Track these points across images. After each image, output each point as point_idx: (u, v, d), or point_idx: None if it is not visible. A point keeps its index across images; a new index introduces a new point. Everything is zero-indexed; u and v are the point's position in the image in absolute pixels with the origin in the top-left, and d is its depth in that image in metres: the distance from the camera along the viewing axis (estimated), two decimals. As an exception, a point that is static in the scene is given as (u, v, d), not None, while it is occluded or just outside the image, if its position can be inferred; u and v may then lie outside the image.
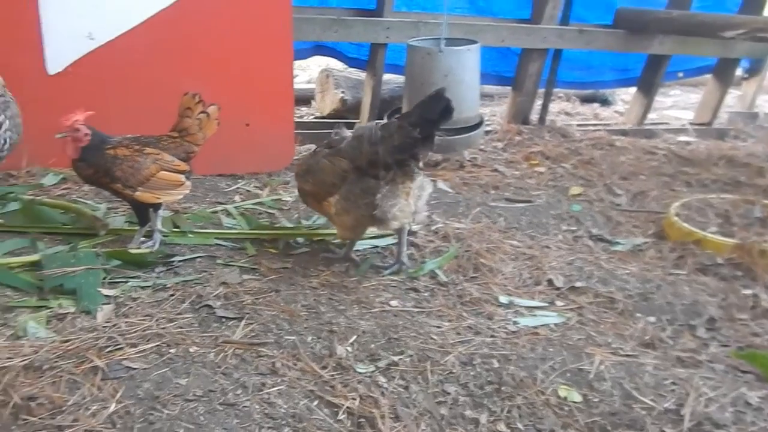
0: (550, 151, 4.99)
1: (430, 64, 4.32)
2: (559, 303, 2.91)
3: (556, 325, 2.72)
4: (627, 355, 2.52)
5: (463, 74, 4.36)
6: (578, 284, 3.04)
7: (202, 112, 2.97)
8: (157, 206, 2.95)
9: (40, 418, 1.93)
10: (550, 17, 5.36)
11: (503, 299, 2.87)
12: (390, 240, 3.27)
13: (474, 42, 4.48)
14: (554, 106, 6.49)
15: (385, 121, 3.01)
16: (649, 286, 3.05)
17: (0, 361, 2.07)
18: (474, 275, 3.05)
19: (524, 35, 5.37)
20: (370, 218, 2.81)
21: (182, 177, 2.94)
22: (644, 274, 3.18)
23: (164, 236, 3.02)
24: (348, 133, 2.99)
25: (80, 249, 2.88)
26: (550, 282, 3.06)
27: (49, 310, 2.47)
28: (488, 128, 5.33)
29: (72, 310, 2.48)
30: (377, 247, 3.23)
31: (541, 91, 5.70)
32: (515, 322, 2.70)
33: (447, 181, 4.29)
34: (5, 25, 3.55)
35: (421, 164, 2.82)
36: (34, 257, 2.78)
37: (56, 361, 2.13)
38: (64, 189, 3.53)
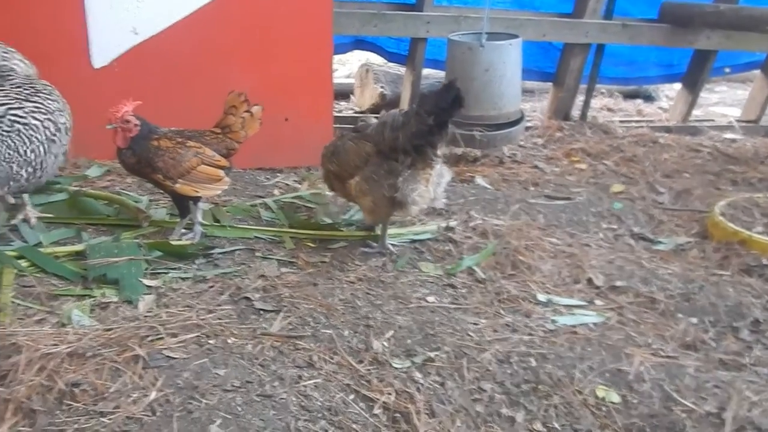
0: (591, 147, 4.91)
1: (470, 58, 4.29)
2: (598, 302, 2.86)
3: (595, 324, 2.68)
4: (668, 357, 2.46)
5: (504, 69, 4.31)
6: (618, 283, 2.98)
7: (246, 111, 3.00)
8: (197, 199, 2.99)
9: (83, 404, 1.98)
10: (593, 11, 5.26)
11: (541, 297, 2.83)
12: (428, 235, 3.26)
13: (515, 37, 4.42)
14: (596, 102, 6.37)
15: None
16: (691, 287, 2.98)
17: (46, 348, 2.13)
18: (512, 272, 3.02)
19: (566, 30, 5.28)
20: (391, 201, 2.88)
21: (221, 172, 2.98)
22: (687, 275, 3.11)
23: (204, 228, 3.06)
24: (374, 121, 3.10)
25: (123, 240, 2.94)
26: (589, 281, 3.01)
27: (92, 299, 2.53)
28: (529, 124, 5.26)
29: (115, 299, 2.54)
30: (415, 242, 3.22)
31: (583, 86, 5.60)
32: (553, 321, 2.67)
33: (486, 177, 4.25)
34: (53, 21, 3.64)
35: (438, 152, 2.89)
36: (79, 247, 2.85)
37: (99, 349, 2.18)
38: (108, 181, 3.61)
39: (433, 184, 2.94)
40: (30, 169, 2.75)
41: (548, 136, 5.18)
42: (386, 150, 2.87)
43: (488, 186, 4.12)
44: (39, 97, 2.90)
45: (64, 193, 3.32)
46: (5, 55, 3.06)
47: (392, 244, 3.13)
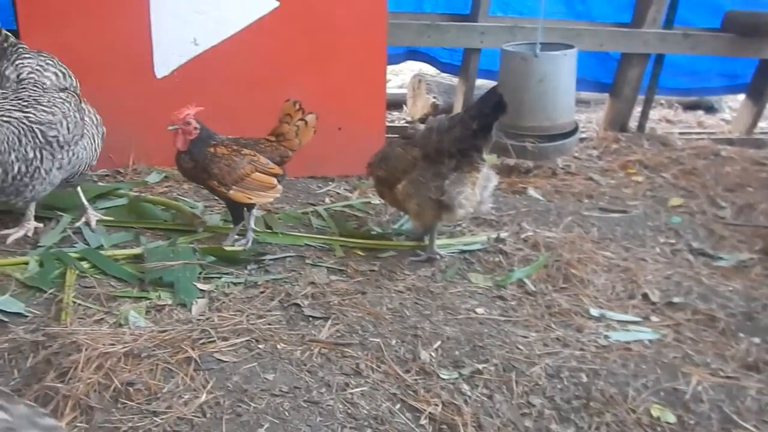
0: (648, 159, 4.78)
1: (524, 69, 4.25)
2: (654, 318, 2.78)
3: (650, 341, 2.60)
4: (728, 377, 2.37)
5: (559, 80, 4.26)
6: (676, 300, 2.89)
7: (300, 119, 3.04)
8: (250, 206, 3.05)
9: (137, 403, 2.04)
10: (652, 21, 5.14)
11: (594, 312, 2.77)
12: (478, 246, 3.23)
13: (571, 47, 4.36)
14: (655, 114, 6.21)
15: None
16: (754, 305, 2.86)
17: (104, 347, 2.20)
18: (564, 286, 2.97)
19: (624, 39, 5.18)
20: (437, 204, 2.91)
21: (275, 180, 3.03)
22: (749, 292, 2.99)
23: (256, 235, 3.12)
24: (422, 127, 3.14)
25: (179, 244, 3.01)
26: (645, 296, 2.93)
27: (148, 301, 2.60)
28: (583, 135, 5.18)
29: (169, 302, 2.60)
30: (465, 252, 3.20)
31: (641, 97, 5.47)
32: (606, 336, 2.61)
33: (538, 189, 4.19)
34: (120, 32, 3.78)
35: (484, 155, 2.93)
36: (137, 250, 2.94)
37: (154, 350, 2.24)
38: (166, 187, 3.72)
39: (479, 187, 2.97)
40: None
41: (604, 148, 5.08)
42: (432, 153, 2.92)
43: (540, 197, 4.06)
44: (34, 109, 2.87)
45: (125, 198, 3.44)
46: (38, 68, 3.09)
47: (440, 255, 3.12)
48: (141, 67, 3.84)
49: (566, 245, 3.27)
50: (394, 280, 2.91)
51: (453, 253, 3.18)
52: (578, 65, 4.39)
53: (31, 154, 2.78)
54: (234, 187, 2.94)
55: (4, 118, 2.76)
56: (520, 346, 2.49)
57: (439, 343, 2.46)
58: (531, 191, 4.13)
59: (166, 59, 3.88)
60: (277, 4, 3.91)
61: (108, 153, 3.82)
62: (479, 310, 2.72)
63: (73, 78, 3.23)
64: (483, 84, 5.79)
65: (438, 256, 3.10)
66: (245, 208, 3.05)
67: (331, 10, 3.98)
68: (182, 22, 3.84)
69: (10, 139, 2.72)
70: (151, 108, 3.82)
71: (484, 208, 3.12)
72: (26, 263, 2.78)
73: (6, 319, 2.42)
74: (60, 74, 3.16)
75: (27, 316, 2.46)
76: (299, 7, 3.94)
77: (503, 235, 3.33)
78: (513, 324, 2.66)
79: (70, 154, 2.95)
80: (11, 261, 2.80)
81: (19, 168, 2.76)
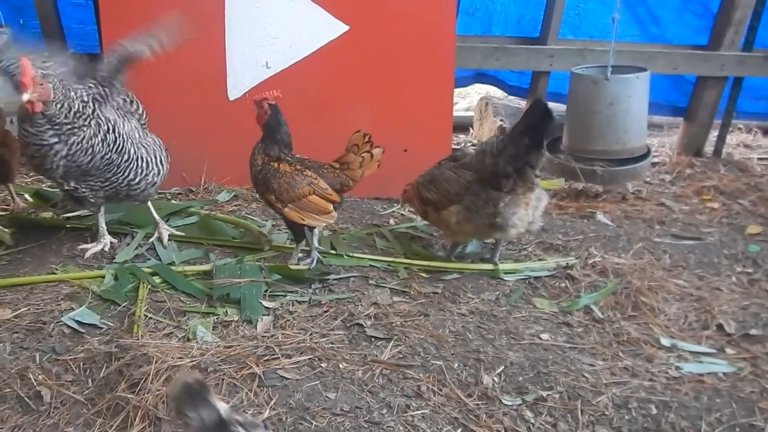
0: (725, 186, 4.59)
1: (594, 92, 4.17)
2: (729, 351, 2.65)
3: (725, 374, 2.48)
4: (813, 418, 2.22)
5: (630, 103, 4.16)
6: (753, 332, 2.75)
7: (367, 151, 3.04)
8: (312, 227, 3.09)
9: (202, 416, 2.08)
10: (730, 43, 4.96)
11: (665, 342, 2.66)
12: (545, 272, 3.17)
13: (643, 69, 4.26)
14: (732, 138, 5.96)
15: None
16: (842, 341, 2.68)
17: (172, 360, 2.27)
18: (633, 314, 2.87)
19: (700, 62, 5.02)
20: (491, 226, 3.00)
21: (331, 206, 3.03)
22: (837, 327, 2.80)
23: (321, 255, 3.15)
24: (471, 150, 3.22)
25: (246, 262, 3.08)
26: (719, 327, 2.80)
27: (216, 317, 2.67)
28: (656, 160, 5.03)
29: (236, 318, 2.66)
30: (530, 277, 3.14)
31: (717, 121, 5.27)
32: (678, 368, 2.50)
33: (607, 214, 4.08)
34: (196, 56, 3.94)
35: (537, 171, 2.98)
36: (206, 267, 3.03)
37: (220, 365, 2.29)
38: (235, 205, 3.82)
39: (532, 207, 3.02)
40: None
41: (677, 173, 4.91)
42: (487, 177, 2.97)
43: (609, 222, 3.95)
44: None
45: (196, 216, 3.55)
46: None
47: (509, 280, 3.10)
48: (215, 90, 3.99)
49: (636, 272, 3.16)
50: (457, 303, 2.88)
51: (519, 278, 3.13)
52: (651, 88, 4.28)
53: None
54: (290, 205, 2.98)
55: None
56: (586, 375, 2.41)
57: (502, 368, 2.42)
58: (600, 216, 4.03)
59: (239, 82, 4.02)
60: (346, 28, 3.99)
61: (181, 172, 3.98)
62: (544, 336, 2.66)
63: (139, 105, 3.33)
64: (552, 107, 5.72)
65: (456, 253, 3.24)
66: (306, 228, 3.09)
67: (399, 34, 4.04)
68: (255, 46, 3.97)
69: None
70: (223, 129, 3.96)
71: (535, 228, 3.16)
72: (102, 277, 2.91)
73: (82, 330, 2.53)
74: (126, 100, 3.25)
75: (102, 328, 2.57)
76: (368, 30, 4.02)
77: (571, 261, 3.25)
78: (579, 351, 2.58)
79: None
80: (89, 274, 2.93)
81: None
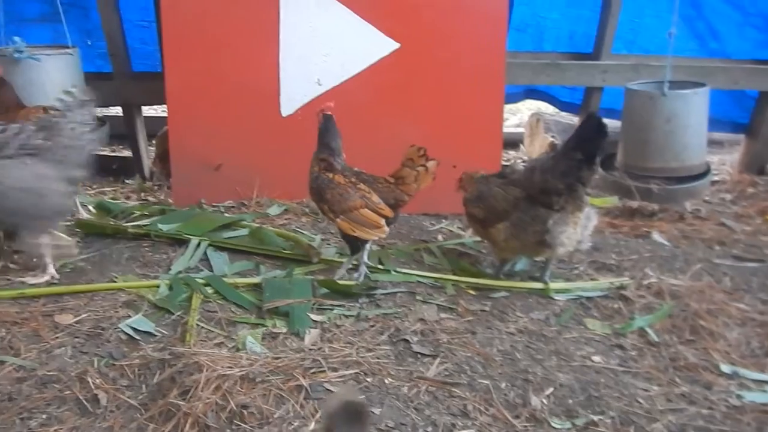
0: (790, 206, 4.41)
1: (650, 108, 4.08)
2: (796, 380, 2.52)
3: (790, 405, 2.36)
4: None
5: (688, 119, 4.05)
6: (822, 361, 2.61)
7: (422, 165, 3.05)
8: (365, 240, 3.11)
9: (250, 426, 2.11)
10: (795, 57, 4.79)
11: (725, 368, 2.56)
12: (598, 292, 3.10)
13: (702, 85, 4.14)
14: (798, 156, 5.73)
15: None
16: None
17: (222, 369, 2.31)
18: (691, 338, 2.77)
19: (763, 77, 4.86)
20: (539, 244, 2.96)
21: (382, 221, 3.04)
22: None
23: (369, 270, 3.16)
24: (521, 167, 3.19)
25: (295, 275, 3.12)
26: (785, 354, 2.67)
27: (264, 328, 2.70)
28: (715, 178, 4.86)
29: (284, 330, 2.69)
30: (581, 297, 3.08)
31: (783, 138, 5.08)
32: (739, 396, 2.39)
33: (663, 233, 3.96)
34: (251, 73, 4.05)
35: (588, 189, 2.92)
36: (256, 279, 3.08)
37: (268, 376, 2.32)
38: (285, 219, 3.88)
39: (581, 226, 2.97)
40: None
41: (739, 192, 4.74)
42: (536, 194, 2.93)
43: (666, 242, 3.83)
44: None
45: (247, 229, 3.62)
46: None
47: (560, 300, 3.04)
48: (268, 106, 4.08)
49: (694, 294, 3.05)
50: (505, 321, 2.84)
51: (570, 297, 3.07)
52: (711, 104, 4.16)
53: None
54: (341, 216, 3.02)
55: None
56: (640, 400, 2.34)
57: (551, 389, 2.37)
58: (655, 236, 3.92)
59: (292, 99, 4.10)
60: (397, 45, 4.03)
61: (234, 186, 4.07)
62: (596, 358, 2.60)
63: None
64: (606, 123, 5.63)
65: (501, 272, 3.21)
66: (359, 241, 3.10)
67: (450, 50, 4.05)
68: (308, 63, 4.05)
69: None
70: (275, 144, 4.04)
71: (583, 247, 3.12)
72: (158, 286, 2.99)
73: (138, 337, 2.61)
74: None
75: (156, 336, 2.64)
76: (419, 47, 4.04)
77: (625, 281, 3.17)
78: (633, 375, 2.51)
79: None
80: (145, 283, 3.02)
81: None
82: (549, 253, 3.05)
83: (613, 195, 4.36)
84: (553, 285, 3.11)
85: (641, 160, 4.17)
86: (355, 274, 3.12)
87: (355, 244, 3.13)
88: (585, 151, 2.82)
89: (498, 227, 3.03)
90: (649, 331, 2.80)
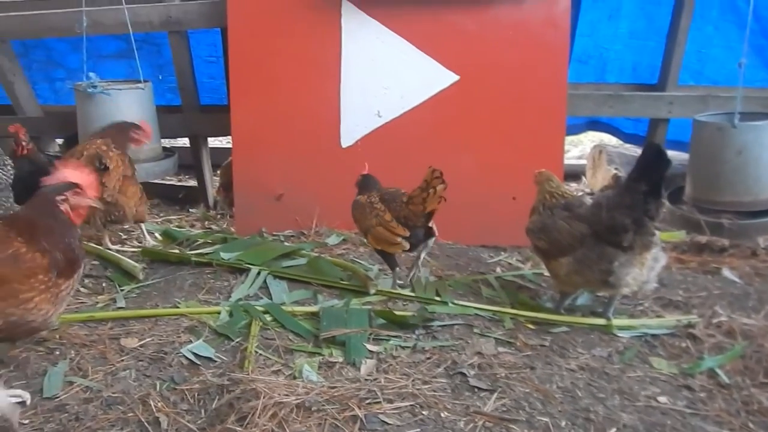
0: None
1: (720, 140, 3.95)
2: None
3: None
4: None
5: (761, 152, 3.89)
6: None
7: (432, 187, 3.06)
8: (390, 254, 3.24)
9: (304, 455, 2.10)
10: None
11: (803, 414, 2.41)
12: (664, 330, 2.99)
13: (774, 116, 3.99)
14: None
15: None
16: None
17: (279, 397, 2.32)
18: (765, 381, 2.62)
19: (841, 108, 4.64)
20: (602, 282, 2.90)
21: (398, 238, 3.12)
22: None
23: (426, 303, 3.15)
24: (588, 200, 3.10)
25: (352, 305, 3.13)
26: None
27: (321, 357, 2.71)
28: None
29: (340, 359, 2.70)
30: (646, 334, 2.97)
31: None
32: (818, 445, 2.24)
33: (734, 270, 3.79)
34: (313, 105, 4.15)
35: (656, 224, 2.83)
36: (314, 308, 3.10)
37: (323, 405, 2.32)
38: (344, 249, 3.92)
39: (647, 267, 2.87)
40: None
41: (817, 228, 4.49)
42: (603, 232, 2.85)
43: (737, 279, 3.67)
44: None
45: (306, 258, 3.67)
46: None
47: (624, 336, 2.95)
48: (329, 137, 4.16)
49: (768, 335, 2.91)
50: (566, 358, 2.76)
51: (635, 335, 2.96)
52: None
53: None
54: (368, 233, 3.23)
55: None
56: (710, 444, 2.22)
57: (614, 430, 2.28)
58: (726, 272, 3.75)
59: (352, 130, 4.17)
60: (457, 77, 4.06)
61: (294, 216, 4.15)
62: (662, 399, 2.49)
63: None
64: (672, 156, 5.47)
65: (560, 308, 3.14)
66: (394, 256, 3.27)
67: (510, 82, 4.05)
68: (368, 96, 4.12)
69: None
70: (335, 175, 4.10)
71: (649, 288, 3.02)
72: (218, 313, 3.05)
73: (198, 362, 2.66)
74: None
75: (216, 361, 2.68)
76: (479, 79, 4.06)
77: (694, 319, 3.04)
78: (702, 418, 2.39)
79: None
80: (207, 309, 3.09)
81: None
82: (612, 292, 2.98)
83: (681, 229, 4.21)
84: (617, 321, 3.01)
85: (711, 193, 4.03)
86: (400, 282, 3.31)
87: (387, 259, 3.29)
88: (649, 181, 2.73)
89: (560, 261, 2.97)
90: (720, 372, 2.67)
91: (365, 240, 3.35)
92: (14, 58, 4.97)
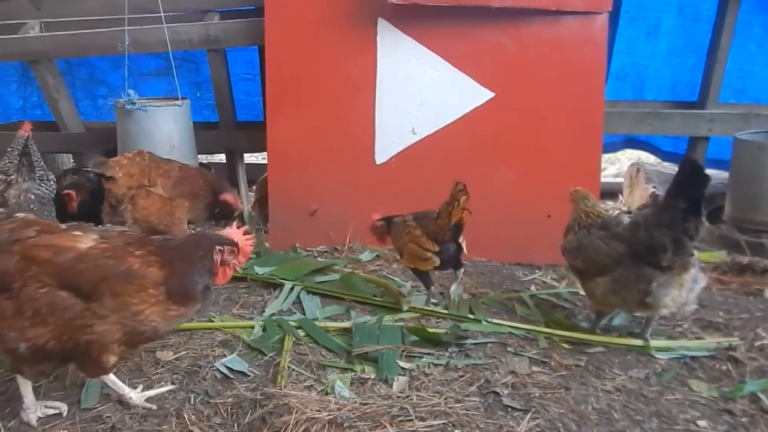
0: None
1: (761, 159, 3.88)
2: None
3: None
4: None
5: (804, 171, 3.81)
6: None
7: (456, 200, 3.09)
8: (457, 266, 3.25)
9: (336, 472, 2.10)
10: None
11: None
12: (704, 352, 2.91)
13: (818, 134, 3.90)
14: None
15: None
16: None
17: (311, 412, 2.32)
18: (811, 407, 2.53)
19: None
20: (640, 303, 2.84)
21: (428, 254, 3.15)
22: None
23: (459, 321, 3.13)
24: (625, 218, 3.01)
25: (384, 321, 3.13)
26: None
27: (353, 373, 2.71)
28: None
29: (372, 376, 2.69)
30: (685, 356, 2.90)
31: None
32: None
33: (778, 292, 3.69)
34: (348, 123, 4.19)
35: (696, 243, 2.73)
36: (347, 324, 3.11)
37: (355, 421, 2.31)
38: (377, 265, 3.92)
39: (686, 288, 2.80)
40: None
41: None
42: (642, 251, 2.79)
43: (781, 301, 3.56)
44: None
45: (339, 273, 3.68)
46: None
47: (663, 358, 2.89)
48: (363, 154, 4.19)
49: (814, 359, 2.81)
50: (602, 378, 2.71)
51: (673, 357, 2.89)
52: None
53: None
54: (401, 253, 3.29)
55: None
56: (753, 472, 2.15)
57: (651, 454, 2.22)
58: (768, 294, 3.66)
59: (386, 147, 4.19)
60: (492, 94, 4.05)
61: (328, 231, 4.17)
62: (701, 423, 2.42)
63: None
64: (712, 175, 5.36)
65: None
66: (428, 273, 3.29)
67: (546, 99, 4.03)
68: (403, 113, 4.14)
69: None
70: (369, 191, 4.12)
71: (688, 310, 2.94)
72: (252, 327, 3.08)
73: (232, 376, 2.68)
74: None
75: (249, 375, 2.70)
76: (515, 97, 4.05)
77: (735, 342, 2.96)
78: (744, 444, 2.31)
79: None
80: (240, 324, 3.12)
81: None
82: (650, 313, 2.92)
83: (721, 249, 4.12)
84: (655, 342, 2.95)
85: (752, 213, 3.95)
86: (433, 299, 3.33)
87: (421, 277, 3.32)
88: (687, 198, 2.66)
89: (597, 281, 2.93)
90: (762, 396, 2.58)
91: (400, 259, 3.37)
92: (59, 76, 5.13)
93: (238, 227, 2.53)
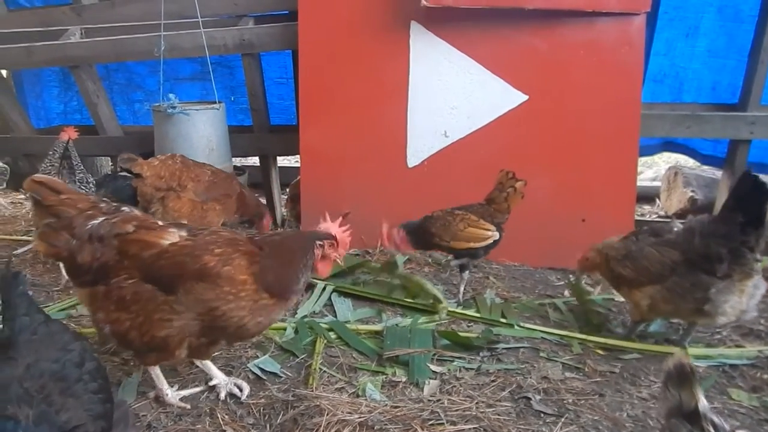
0: None
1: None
2: None
3: None
4: None
5: None
6: None
7: (511, 186, 3.35)
8: (472, 255, 3.39)
9: (366, 474, 2.10)
10: None
11: None
12: (744, 360, 2.84)
13: None
14: None
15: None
16: None
17: (342, 414, 2.33)
18: None
19: None
20: (696, 311, 2.75)
21: (487, 232, 3.35)
22: None
23: (491, 325, 3.10)
24: (677, 224, 2.93)
25: (417, 325, 3.12)
26: None
27: (384, 376, 2.71)
28: None
29: (403, 379, 2.68)
30: (724, 364, 2.83)
31: None
32: None
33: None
34: (380, 127, 4.19)
35: (757, 255, 2.62)
36: (378, 327, 3.11)
37: (386, 424, 2.31)
38: (408, 268, 3.91)
39: (747, 295, 2.68)
40: None
41: None
42: (697, 259, 2.69)
43: (826, 310, 3.45)
44: None
45: (371, 275, 3.68)
46: None
47: (700, 366, 2.81)
48: (395, 158, 4.19)
49: None
50: (637, 385, 2.66)
51: (711, 364, 2.83)
52: None
53: None
54: (452, 240, 3.38)
55: None
56: (796, 485, 2.08)
57: (689, 464, 2.17)
58: (813, 301, 3.54)
59: (418, 150, 4.18)
60: (525, 97, 4.02)
61: (360, 234, 4.17)
62: (741, 433, 2.36)
63: None
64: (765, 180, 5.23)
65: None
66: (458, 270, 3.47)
67: (581, 102, 3.98)
68: (435, 116, 4.13)
69: None
70: (401, 194, 4.12)
71: (748, 317, 2.80)
72: (285, 329, 3.10)
73: (264, 378, 2.70)
74: None
75: (281, 377, 2.72)
76: (548, 100, 4.01)
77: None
78: (786, 456, 2.25)
79: None
80: (273, 325, 3.14)
81: None
82: (706, 322, 2.81)
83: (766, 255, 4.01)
84: (692, 350, 2.89)
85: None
86: (452, 300, 3.39)
87: (465, 259, 3.45)
88: (747, 212, 2.56)
89: (646, 290, 2.83)
90: (806, 407, 2.51)
91: (448, 245, 3.43)
92: (98, 81, 5.24)
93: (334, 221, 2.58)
